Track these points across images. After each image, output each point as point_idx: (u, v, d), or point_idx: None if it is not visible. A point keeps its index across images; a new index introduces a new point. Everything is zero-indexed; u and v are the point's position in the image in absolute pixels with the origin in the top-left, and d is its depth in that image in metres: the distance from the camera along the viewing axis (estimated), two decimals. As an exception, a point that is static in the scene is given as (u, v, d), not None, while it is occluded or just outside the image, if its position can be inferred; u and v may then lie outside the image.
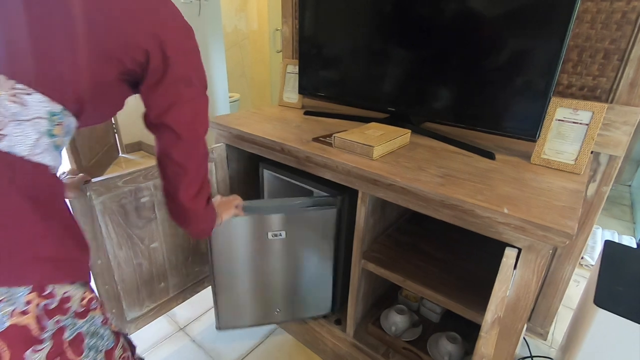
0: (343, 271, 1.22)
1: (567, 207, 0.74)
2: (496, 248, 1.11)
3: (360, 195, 0.99)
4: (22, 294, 0.49)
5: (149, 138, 3.11)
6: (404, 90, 1.20)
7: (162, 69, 0.62)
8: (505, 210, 0.72)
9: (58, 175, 0.59)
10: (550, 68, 0.89)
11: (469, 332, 1.16)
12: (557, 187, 0.84)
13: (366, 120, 1.31)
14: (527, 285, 0.75)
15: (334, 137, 1.03)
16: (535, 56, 0.92)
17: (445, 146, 1.10)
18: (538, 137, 0.96)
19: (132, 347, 0.76)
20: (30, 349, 0.49)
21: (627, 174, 2.99)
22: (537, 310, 1.36)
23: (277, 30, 2.97)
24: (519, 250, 0.74)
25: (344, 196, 1.10)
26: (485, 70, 1.01)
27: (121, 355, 0.65)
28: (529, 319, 1.37)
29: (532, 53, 0.93)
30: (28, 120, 0.51)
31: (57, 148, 0.57)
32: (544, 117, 0.93)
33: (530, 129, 0.96)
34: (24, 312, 0.49)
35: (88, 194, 0.98)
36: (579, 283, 1.73)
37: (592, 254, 1.91)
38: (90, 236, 1.01)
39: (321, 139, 1.10)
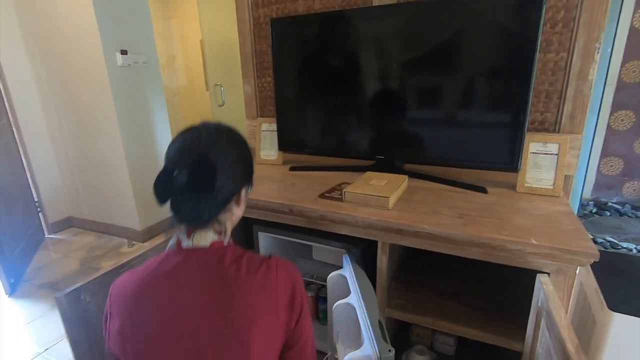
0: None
1: (575, 230, 0.85)
2: (493, 270, 1.19)
3: (380, 245, 1.01)
4: None
5: (80, 211, 2.75)
6: (392, 137, 1.28)
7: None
8: (534, 241, 0.80)
9: None
10: (522, 109, 1.05)
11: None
12: (554, 211, 0.97)
13: (352, 169, 1.35)
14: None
15: (345, 192, 1.05)
16: (508, 102, 1.08)
17: (439, 185, 1.19)
18: (519, 169, 1.10)
19: None
20: None
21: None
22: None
23: (217, 85, 2.97)
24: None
25: (357, 249, 1.10)
26: (468, 117, 1.15)
27: None
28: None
29: (506, 99, 1.08)
30: None
31: None
32: (522, 151, 1.08)
33: (511, 162, 1.09)
34: None
35: (82, 297, 0.83)
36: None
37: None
38: (85, 348, 0.85)
39: (327, 195, 1.11)
